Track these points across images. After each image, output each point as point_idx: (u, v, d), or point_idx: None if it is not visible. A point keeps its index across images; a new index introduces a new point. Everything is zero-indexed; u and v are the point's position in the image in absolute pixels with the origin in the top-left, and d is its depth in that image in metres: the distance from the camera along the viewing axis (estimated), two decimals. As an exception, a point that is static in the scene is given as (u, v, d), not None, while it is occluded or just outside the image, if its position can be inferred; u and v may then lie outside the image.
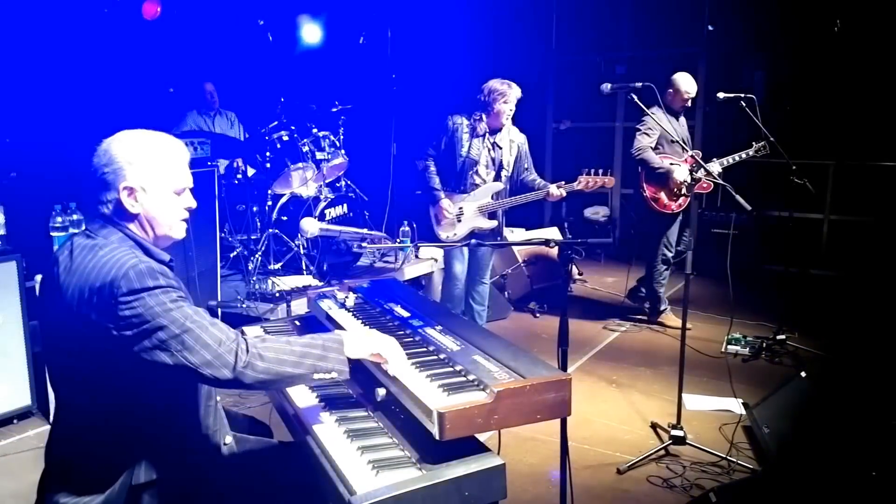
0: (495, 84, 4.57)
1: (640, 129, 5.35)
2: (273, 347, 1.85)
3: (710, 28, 7.84)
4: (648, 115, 4.82)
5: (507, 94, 4.53)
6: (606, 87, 3.96)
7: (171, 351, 1.73)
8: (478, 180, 4.70)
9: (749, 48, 7.85)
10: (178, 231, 1.96)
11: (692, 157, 4.08)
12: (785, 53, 7.48)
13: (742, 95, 4.85)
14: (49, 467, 1.93)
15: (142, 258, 1.79)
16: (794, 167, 4.95)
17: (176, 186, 1.91)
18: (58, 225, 3.87)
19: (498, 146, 4.69)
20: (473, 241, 2.69)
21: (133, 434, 1.83)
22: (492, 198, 4.69)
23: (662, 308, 5.78)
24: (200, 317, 1.79)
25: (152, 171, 1.86)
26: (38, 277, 3.85)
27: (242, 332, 2.15)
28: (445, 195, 4.68)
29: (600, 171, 4.48)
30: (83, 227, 1.94)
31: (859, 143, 7.10)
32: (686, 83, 5.37)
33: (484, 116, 4.61)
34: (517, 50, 8.61)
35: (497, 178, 4.73)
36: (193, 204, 1.97)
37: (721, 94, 4.96)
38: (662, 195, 5.36)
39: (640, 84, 3.79)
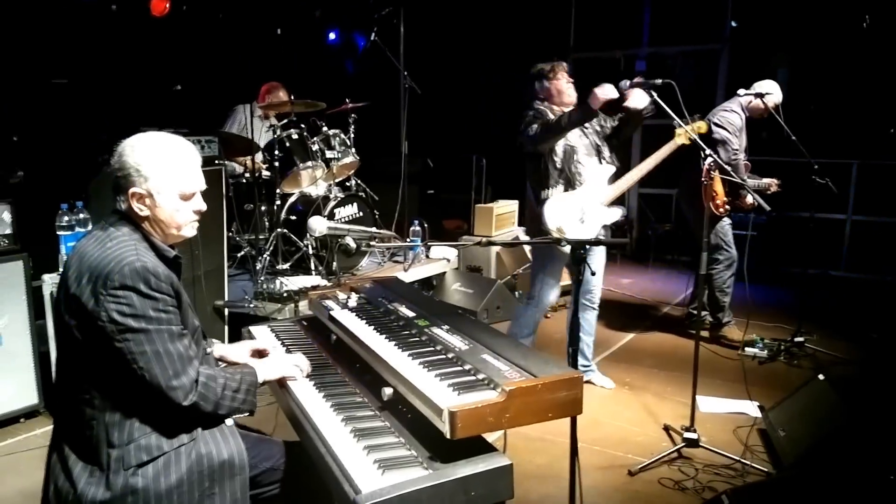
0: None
1: (727, 129, 4.99)
2: (215, 392, 1.93)
3: (734, 24, 7.72)
4: (729, 114, 4.78)
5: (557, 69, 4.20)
6: (624, 84, 3.87)
7: (132, 354, 1.80)
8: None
9: (773, 45, 7.74)
10: (189, 231, 2.04)
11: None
12: (810, 50, 7.37)
13: (764, 93, 4.76)
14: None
15: (143, 255, 1.85)
16: (815, 166, 4.85)
17: (184, 191, 1.97)
18: (64, 224, 3.85)
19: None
20: (484, 240, 2.62)
21: (124, 408, 1.87)
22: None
23: (726, 320, 5.38)
24: (173, 344, 1.85)
25: (160, 178, 1.92)
26: (46, 277, 3.84)
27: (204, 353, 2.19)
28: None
29: None
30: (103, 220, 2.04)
31: (884, 143, 6.99)
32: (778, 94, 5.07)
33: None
34: (534, 46, 8.55)
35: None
36: (203, 207, 2.04)
37: (741, 91, 4.86)
38: (722, 197, 5.02)
39: (661, 81, 3.69)
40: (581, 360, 4.24)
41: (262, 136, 6.01)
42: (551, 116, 4.06)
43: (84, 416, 1.86)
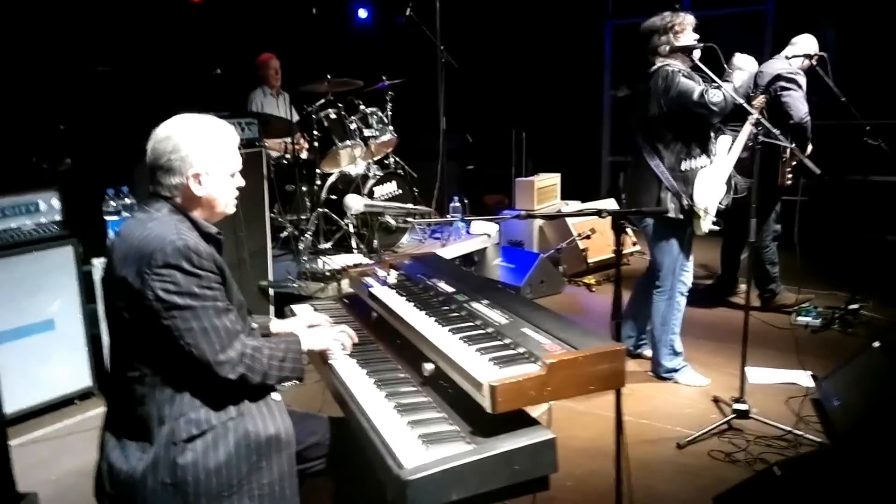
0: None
1: (791, 88, 4.75)
2: (261, 363, 1.96)
3: None
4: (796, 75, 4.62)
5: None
6: (664, 48, 3.74)
7: (179, 331, 1.84)
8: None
9: (820, 5, 7.44)
10: (232, 207, 2.12)
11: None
12: (858, 9, 7.07)
13: (812, 54, 4.59)
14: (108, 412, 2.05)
15: (184, 234, 1.89)
16: (868, 128, 4.66)
17: (232, 169, 2.07)
18: (111, 209, 3.92)
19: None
20: (524, 212, 2.58)
21: (173, 385, 1.91)
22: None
23: (778, 290, 5.29)
24: (219, 319, 1.89)
25: (214, 157, 2.00)
26: (95, 261, 3.93)
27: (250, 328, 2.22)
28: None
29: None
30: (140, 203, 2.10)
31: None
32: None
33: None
34: (571, 15, 8.38)
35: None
36: (242, 183, 2.13)
37: (791, 52, 4.70)
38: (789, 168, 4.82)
39: (702, 44, 3.56)
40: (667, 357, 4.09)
41: (283, 113, 6.07)
42: (692, 78, 3.69)
43: (135, 394, 1.90)
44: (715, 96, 3.62)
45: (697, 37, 3.80)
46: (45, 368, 3.82)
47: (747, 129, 3.74)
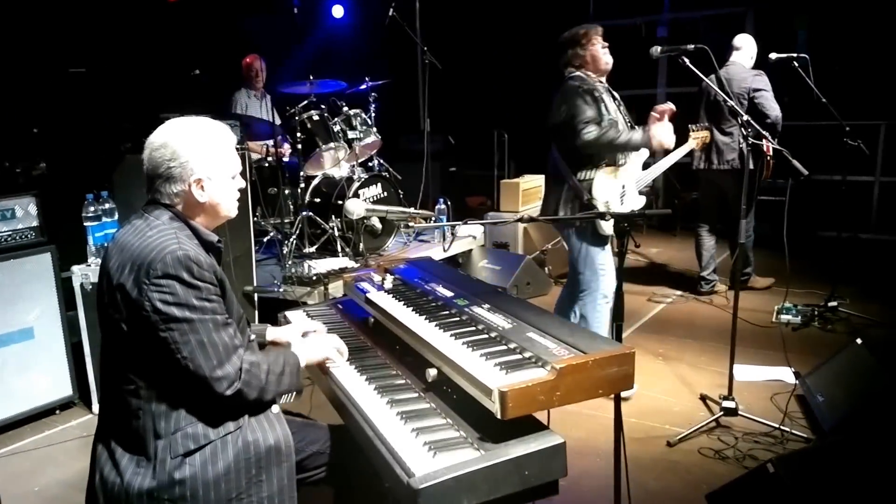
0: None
1: (763, 89, 5.07)
2: (259, 379, 1.92)
3: None
4: (762, 77, 4.90)
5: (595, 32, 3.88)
6: (655, 50, 3.71)
7: (176, 343, 1.79)
8: None
9: (795, 5, 7.53)
10: (235, 210, 2.07)
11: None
12: (832, 10, 7.18)
13: (795, 56, 4.65)
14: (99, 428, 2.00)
15: (184, 244, 1.84)
16: (847, 128, 4.75)
17: (233, 171, 2.01)
18: (91, 214, 3.85)
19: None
20: (526, 215, 2.55)
21: (170, 398, 1.86)
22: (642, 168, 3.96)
23: (752, 274, 5.71)
24: (217, 334, 1.84)
25: (214, 161, 1.94)
26: (75, 268, 3.85)
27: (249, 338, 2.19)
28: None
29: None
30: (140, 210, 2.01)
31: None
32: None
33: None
34: (552, 16, 8.39)
35: None
36: (243, 185, 2.08)
37: (773, 55, 4.76)
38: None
39: (693, 46, 3.57)
40: None
41: (265, 115, 6.01)
42: (601, 102, 3.75)
43: (130, 407, 1.85)
44: (587, 134, 3.61)
45: (607, 44, 3.88)
46: (24, 378, 3.75)
47: (688, 147, 3.94)
